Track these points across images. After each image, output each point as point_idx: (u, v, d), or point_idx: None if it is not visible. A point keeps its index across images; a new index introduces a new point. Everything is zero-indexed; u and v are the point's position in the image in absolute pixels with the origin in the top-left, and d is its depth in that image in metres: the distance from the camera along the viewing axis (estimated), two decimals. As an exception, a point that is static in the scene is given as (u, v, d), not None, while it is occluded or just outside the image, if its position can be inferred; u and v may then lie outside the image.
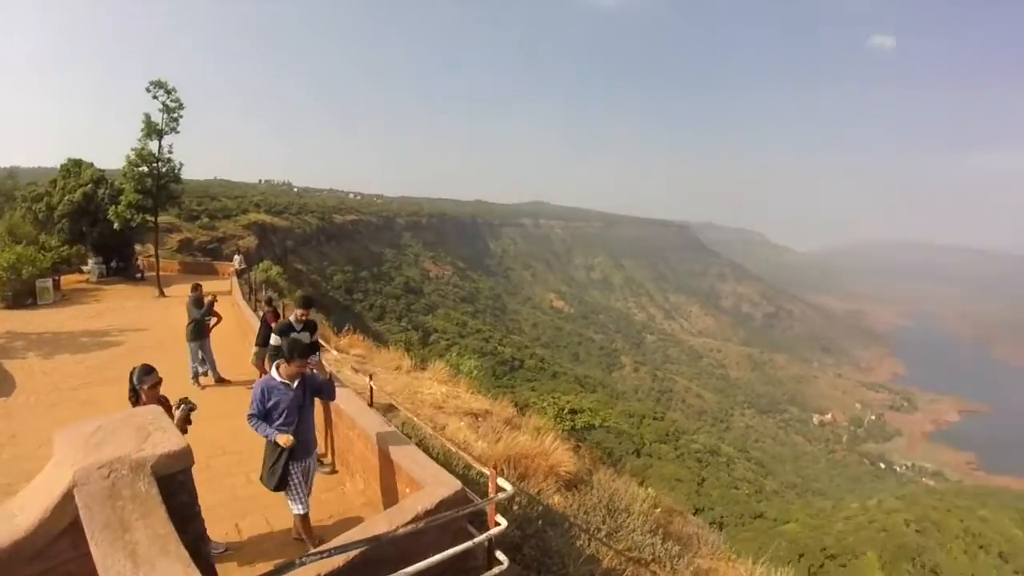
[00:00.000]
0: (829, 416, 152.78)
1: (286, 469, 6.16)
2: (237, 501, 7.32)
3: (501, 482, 5.31)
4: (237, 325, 18.34)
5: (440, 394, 12.54)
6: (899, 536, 45.00)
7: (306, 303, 10.38)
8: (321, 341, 12.73)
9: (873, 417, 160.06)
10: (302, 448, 6.25)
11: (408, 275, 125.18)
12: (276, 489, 6.21)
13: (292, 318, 10.00)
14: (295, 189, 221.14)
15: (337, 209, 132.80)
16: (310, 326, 10.10)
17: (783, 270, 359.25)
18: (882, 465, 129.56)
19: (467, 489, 5.53)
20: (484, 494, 5.68)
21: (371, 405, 8.65)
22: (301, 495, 6.26)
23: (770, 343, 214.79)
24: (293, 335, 9.38)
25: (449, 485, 5.36)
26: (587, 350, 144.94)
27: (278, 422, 6.10)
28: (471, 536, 5.12)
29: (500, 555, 5.32)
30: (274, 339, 10.05)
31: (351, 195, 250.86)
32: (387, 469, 6.58)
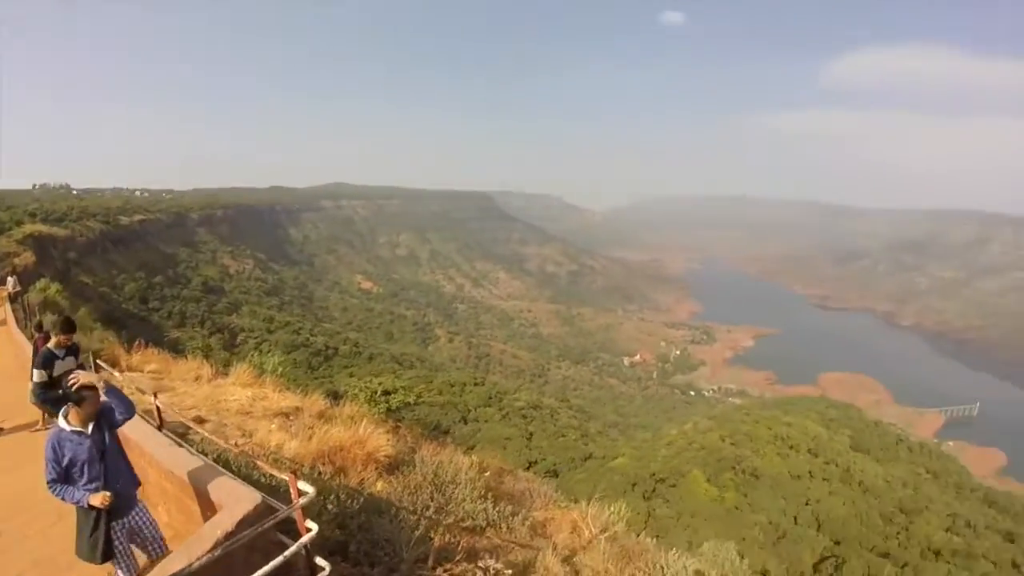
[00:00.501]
0: (638, 357, 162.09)
1: (108, 535, 5.03)
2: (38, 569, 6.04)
3: (302, 485, 4.96)
4: (15, 359, 16.12)
5: (246, 398, 11.77)
6: (718, 451, 48.70)
7: (67, 327, 8.87)
8: (104, 364, 11.50)
9: (678, 352, 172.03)
10: (121, 503, 5.10)
11: (206, 274, 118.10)
12: (103, 561, 5.07)
13: (52, 344, 8.59)
14: (75, 192, 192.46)
15: (123, 210, 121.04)
16: (73, 351, 8.78)
17: (583, 230, 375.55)
18: (692, 393, 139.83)
19: (271, 499, 5.06)
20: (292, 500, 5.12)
21: (162, 426, 7.79)
22: (130, 561, 5.20)
23: (576, 298, 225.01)
24: (58, 363, 8.25)
25: (249, 500, 4.76)
26: (400, 328, 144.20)
27: (83, 481, 4.94)
28: (285, 549, 4.62)
29: (320, 560, 4.93)
30: (36, 373, 8.47)
31: (137, 192, 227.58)
32: (186, 495, 5.83)
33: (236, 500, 4.90)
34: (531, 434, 58.37)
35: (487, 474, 9.47)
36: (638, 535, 9.58)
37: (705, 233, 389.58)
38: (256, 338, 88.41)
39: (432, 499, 7.63)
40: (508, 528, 7.78)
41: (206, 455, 6.77)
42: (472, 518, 7.51)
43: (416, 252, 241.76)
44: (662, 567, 6.95)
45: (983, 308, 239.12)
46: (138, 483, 5.54)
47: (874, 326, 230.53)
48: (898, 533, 41.39)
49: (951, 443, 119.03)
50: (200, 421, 9.51)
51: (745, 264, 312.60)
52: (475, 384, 75.77)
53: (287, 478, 5.07)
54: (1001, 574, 35.54)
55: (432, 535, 6.75)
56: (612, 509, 9.09)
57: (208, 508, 5.47)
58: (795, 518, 40.96)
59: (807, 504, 43.20)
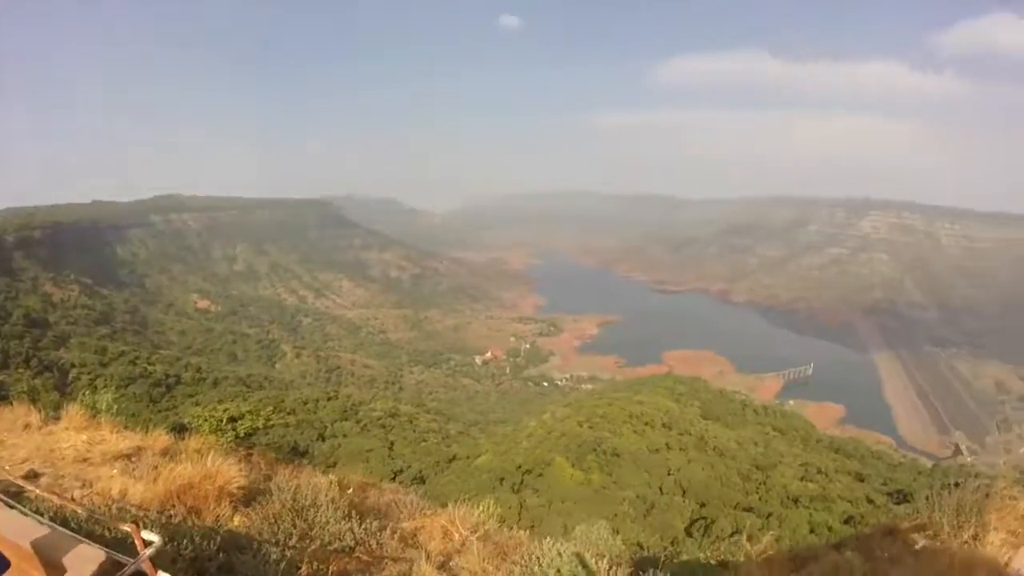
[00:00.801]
0: (489, 354, 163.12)
1: None
2: None
3: (146, 535, 4.40)
4: None
5: (82, 443, 10.89)
6: (577, 436, 49.96)
7: None
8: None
9: (528, 346, 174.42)
10: None
11: (28, 305, 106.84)
12: None
13: None
14: None
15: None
16: None
17: (425, 232, 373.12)
18: (546, 384, 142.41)
19: (117, 555, 4.39)
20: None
21: (-17, 491, 6.88)
22: None
23: (422, 301, 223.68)
24: None
25: (93, 560, 4.57)
26: (244, 347, 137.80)
27: None
28: (139, 604, 3.84)
29: (177, 610, 3.97)
30: None
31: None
32: (28, 563, 4.67)
33: (81, 561, 4.61)
34: (392, 443, 57.42)
35: (350, 491, 8.96)
36: (511, 529, 9.22)
37: (544, 229, 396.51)
38: (89, 374, 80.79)
39: (294, 526, 7.06)
40: (378, 544, 7.35)
41: (43, 515, 5.74)
42: (339, 539, 7.01)
43: (254, 265, 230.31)
44: (538, 557, 6.69)
45: (806, 281, 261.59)
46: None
47: (710, 304, 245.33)
48: (757, 488, 43.88)
49: (792, 402, 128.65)
50: (34, 476, 8.24)
51: (584, 256, 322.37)
52: (328, 399, 73.63)
53: (129, 529, 4.56)
54: (857, 508, 38.03)
55: (299, 564, 6.34)
56: (481, 507, 8.77)
57: (55, 574, 4.64)
58: (660, 488, 42.69)
59: (669, 474, 44.98)
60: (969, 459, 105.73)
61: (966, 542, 5.44)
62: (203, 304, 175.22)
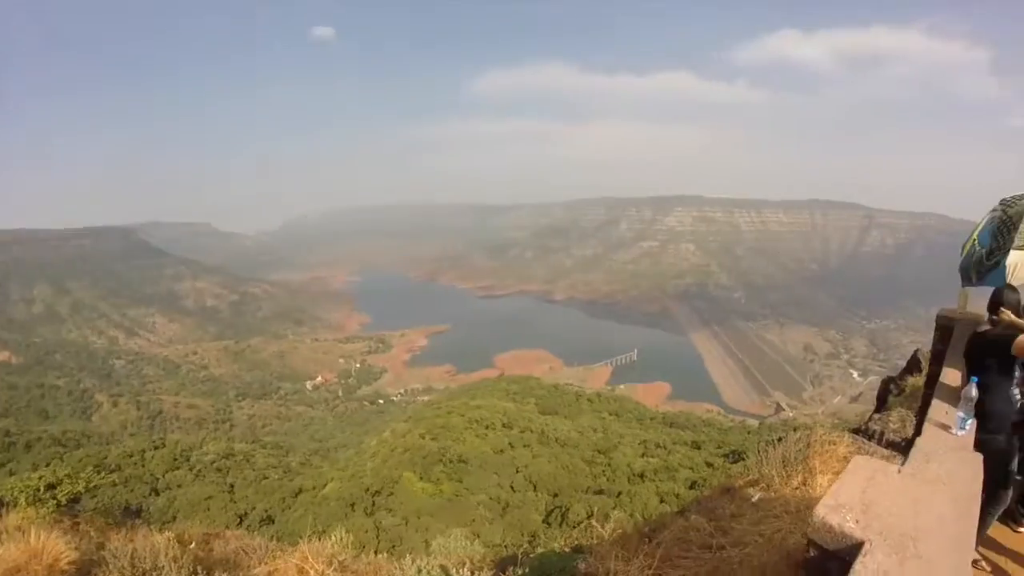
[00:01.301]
0: (320, 379, 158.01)
1: None
2: None
3: None
4: None
5: None
6: (421, 449, 49.35)
7: None
8: None
9: (358, 365, 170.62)
10: None
11: None
12: None
13: None
14: None
15: None
16: None
17: (240, 256, 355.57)
18: (381, 401, 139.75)
19: None
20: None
21: None
22: None
23: (243, 330, 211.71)
24: None
25: None
26: (55, 401, 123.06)
27: None
28: None
29: None
30: None
31: None
32: None
33: None
34: (232, 486, 53.89)
35: (192, 546, 8.52)
36: (371, 554, 8.87)
37: (366, 243, 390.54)
38: None
39: (138, 596, 6.34)
40: (234, 597, 6.70)
41: None
42: (188, 600, 6.45)
43: (55, 306, 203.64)
44: (399, 577, 6.63)
45: (622, 274, 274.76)
46: None
47: (534, 305, 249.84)
48: (603, 471, 45.15)
49: (623, 386, 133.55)
50: None
51: (408, 268, 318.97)
52: (155, 448, 67.58)
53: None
54: (698, 474, 39.58)
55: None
56: (334, 538, 8.25)
57: None
58: (512, 487, 43.26)
59: (518, 472, 45.59)
60: (791, 414, 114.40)
61: (796, 488, 5.76)
62: (2, 356, 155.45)
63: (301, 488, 50.99)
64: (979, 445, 4.36)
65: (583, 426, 62.18)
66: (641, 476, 41.84)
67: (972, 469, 3.46)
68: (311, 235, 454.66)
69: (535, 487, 42.98)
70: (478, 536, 27.44)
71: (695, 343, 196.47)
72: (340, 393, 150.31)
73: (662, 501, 33.74)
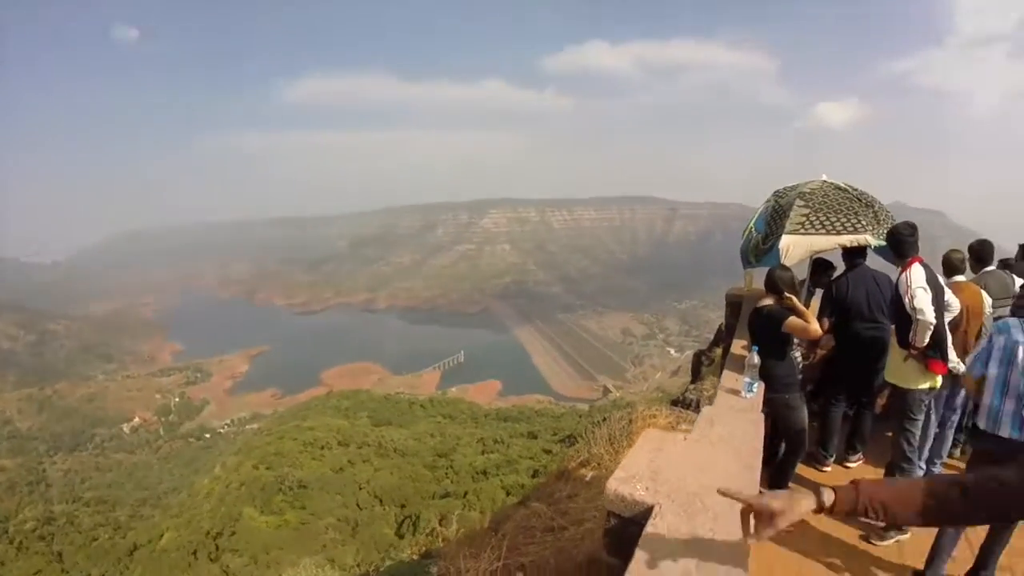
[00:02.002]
0: (137, 419, 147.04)
1: None
2: None
3: None
4: None
5: None
6: (258, 481, 47.89)
7: None
8: None
9: (177, 399, 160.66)
10: None
11: None
12: None
13: None
14: None
15: None
16: None
17: (37, 288, 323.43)
18: (207, 435, 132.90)
19: None
20: None
21: None
22: None
23: (47, 373, 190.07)
24: None
25: None
26: None
27: None
28: None
29: None
30: None
31: None
32: None
33: None
34: (60, 554, 50.36)
35: None
36: None
37: (173, 265, 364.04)
38: None
39: None
40: None
41: None
42: None
43: None
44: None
45: (441, 279, 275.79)
46: None
47: (356, 317, 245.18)
48: (447, 474, 45.96)
49: (454, 389, 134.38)
50: None
51: (222, 288, 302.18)
52: (-36, 525, 62.15)
53: None
54: (539, 462, 41.16)
55: None
56: None
57: None
58: (358, 504, 43.00)
59: (361, 488, 45.30)
60: (618, 394, 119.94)
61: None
62: None
63: (136, 544, 48.15)
64: (769, 404, 5.24)
65: (420, 433, 62.68)
66: (484, 473, 42.96)
67: (751, 427, 3.96)
68: (115, 260, 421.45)
69: (381, 501, 42.99)
70: (332, 561, 27.93)
71: (519, 338, 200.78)
72: (161, 432, 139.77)
73: (508, 494, 34.58)
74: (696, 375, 14.28)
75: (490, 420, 73.87)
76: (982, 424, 4.34)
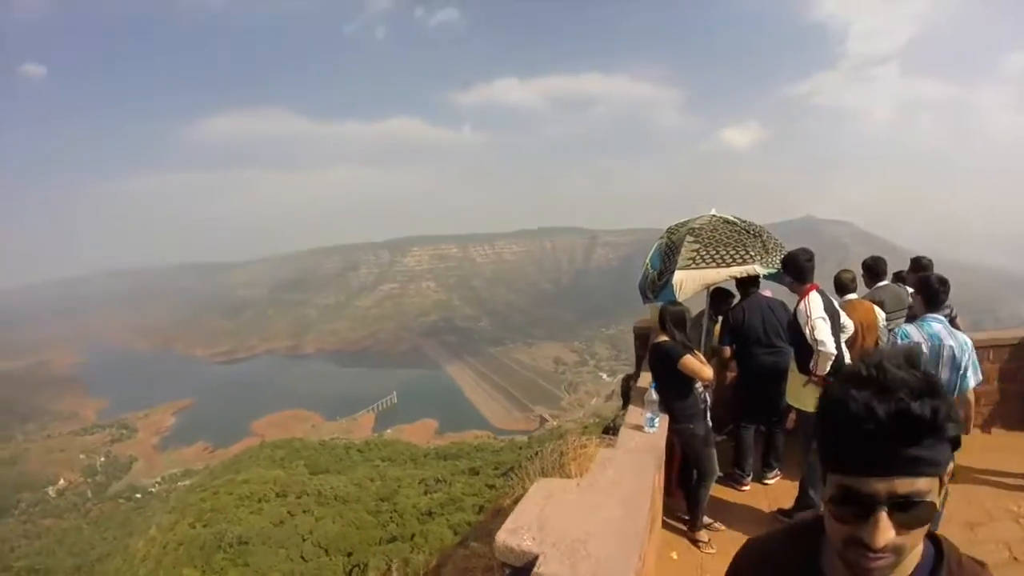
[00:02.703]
0: (62, 482, 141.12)
1: None
2: None
3: None
4: None
5: None
6: (196, 540, 46.48)
7: None
8: None
9: (103, 458, 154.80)
10: None
11: None
12: None
13: None
14: None
15: None
16: None
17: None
18: (138, 495, 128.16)
19: None
20: None
21: None
22: None
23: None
24: None
25: None
26: None
27: None
28: None
29: None
30: None
31: None
32: None
33: None
34: (-5, 640, 48.25)
35: None
36: None
37: (85, 317, 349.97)
38: None
39: None
40: None
41: None
42: None
43: None
44: None
45: (367, 320, 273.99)
46: None
47: (283, 363, 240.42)
48: (391, 518, 45.52)
49: (390, 431, 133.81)
50: None
51: (136, 340, 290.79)
52: None
53: None
54: (483, 498, 41.39)
55: None
56: None
57: None
58: (302, 557, 42.29)
59: (304, 540, 44.52)
60: (555, 423, 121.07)
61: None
62: None
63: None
64: (675, 434, 5.54)
65: (359, 478, 61.72)
66: (430, 514, 42.83)
67: (642, 469, 4.04)
68: (22, 313, 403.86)
69: (327, 551, 42.11)
70: None
71: (451, 375, 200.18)
72: (89, 494, 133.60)
73: (456, 533, 34.26)
74: (626, 399, 15.03)
75: (430, 459, 73.72)
76: None
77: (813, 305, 5.58)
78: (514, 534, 3.10)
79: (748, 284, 6.65)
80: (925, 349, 4.73)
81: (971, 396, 4.85)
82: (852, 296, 6.60)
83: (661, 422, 5.19)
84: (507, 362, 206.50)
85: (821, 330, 5.41)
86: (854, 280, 6.84)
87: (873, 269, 7.26)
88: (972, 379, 4.83)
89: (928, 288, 5.01)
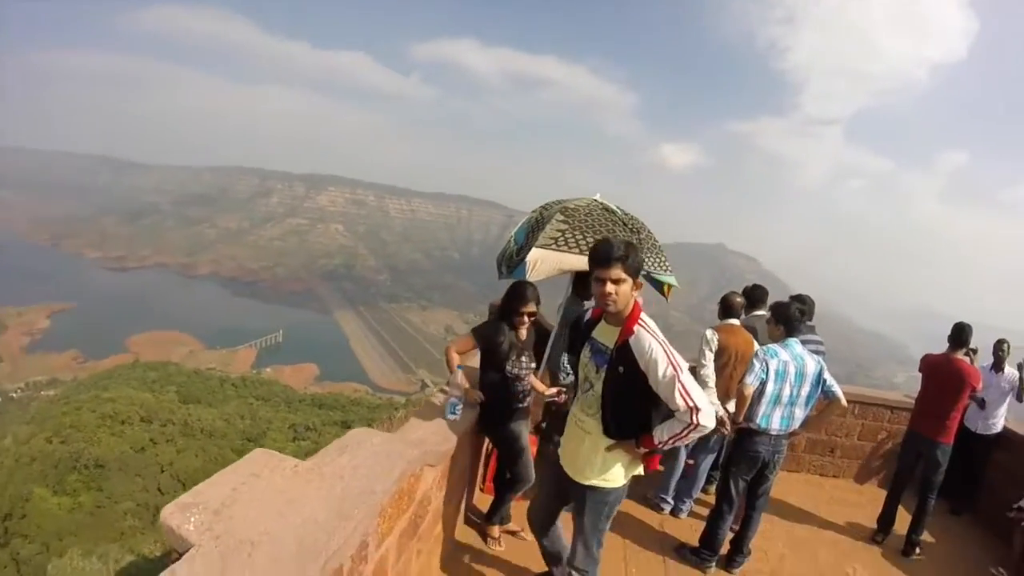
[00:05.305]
0: None
1: None
2: None
3: None
4: None
5: None
6: (51, 456, 44.40)
7: None
8: None
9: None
10: None
11: None
12: None
13: None
14: None
15: None
16: None
17: None
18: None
19: None
20: None
21: None
22: None
23: None
24: None
25: None
26: None
27: None
28: None
29: None
30: None
31: None
32: None
33: None
34: None
35: None
36: None
37: None
38: None
39: None
40: None
41: None
42: None
43: None
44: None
45: (268, 251, 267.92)
46: None
47: (173, 280, 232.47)
48: None
49: (269, 369, 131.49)
50: None
51: (32, 231, 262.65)
52: None
53: None
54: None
55: None
56: None
57: None
58: (159, 489, 41.63)
59: (163, 471, 43.88)
60: (435, 388, 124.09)
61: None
62: None
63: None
64: (486, 431, 5.18)
65: (229, 413, 60.47)
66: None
67: (388, 464, 3.15)
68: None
69: (184, 486, 37.83)
70: (131, 551, 26.91)
71: (341, 323, 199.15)
72: None
73: None
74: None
75: (304, 406, 72.45)
76: (758, 425, 5.09)
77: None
78: (183, 511, 2.36)
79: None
80: (791, 369, 5.02)
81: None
82: (735, 321, 6.32)
83: (462, 411, 4.62)
84: (399, 320, 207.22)
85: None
86: (743, 306, 6.53)
87: (751, 297, 6.95)
88: (837, 388, 5.16)
89: (787, 314, 5.19)
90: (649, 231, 5.52)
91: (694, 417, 3.03)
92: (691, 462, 6.37)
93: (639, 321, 3.17)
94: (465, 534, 5.26)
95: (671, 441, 3.20)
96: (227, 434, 51.90)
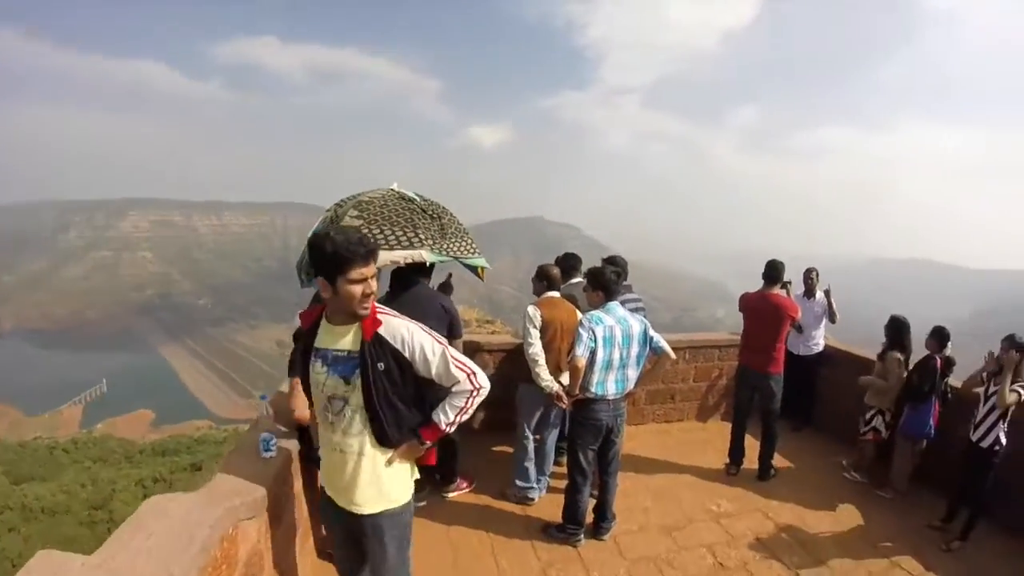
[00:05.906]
0: None
1: None
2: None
3: None
4: None
5: None
6: None
7: None
8: None
9: None
10: None
11: None
12: None
13: None
14: None
15: None
16: None
17: None
18: None
19: None
20: None
21: None
22: None
23: None
24: None
25: None
26: None
27: None
28: None
29: None
30: None
31: None
32: None
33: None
34: None
35: None
36: None
37: None
38: None
39: None
40: None
41: None
42: None
43: None
44: None
45: (74, 294, 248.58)
46: None
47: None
48: (108, 528, 29.52)
49: (100, 425, 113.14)
50: None
51: None
52: None
53: None
54: None
55: None
56: None
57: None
58: None
59: (14, 566, 29.91)
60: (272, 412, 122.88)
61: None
62: None
63: None
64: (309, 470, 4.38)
65: (68, 484, 43.96)
66: None
67: (182, 536, 2.43)
68: None
69: None
70: None
71: (167, 359, 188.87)
72: None
73: None
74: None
75: (147, 456, 60.06)
76: (594, 393, 4.96)
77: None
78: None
79: (412, 273, 5.15)
80: (618, 332, 4.90)
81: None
82: (554, 294, 5.80)
83: (282, 446, 3.78)
84: (228, 344, 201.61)
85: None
86: (559, 275, 5.97)
87: (564, 266, 6.49)
88: (663, 342, 5.16)
89: (604, 279, 5.02)
90: (452, 215, 5.13)
91: (474, 381, 2.86)
92: (537, 437, 5.96)
93: (377, 308, 2.76)
94: (322, 571, 4.42)
95: (458, 417, 2.92)
96: (71, 508, 41.77)
